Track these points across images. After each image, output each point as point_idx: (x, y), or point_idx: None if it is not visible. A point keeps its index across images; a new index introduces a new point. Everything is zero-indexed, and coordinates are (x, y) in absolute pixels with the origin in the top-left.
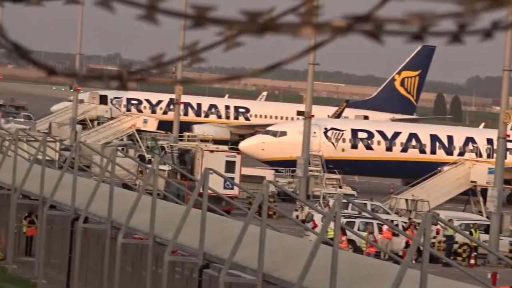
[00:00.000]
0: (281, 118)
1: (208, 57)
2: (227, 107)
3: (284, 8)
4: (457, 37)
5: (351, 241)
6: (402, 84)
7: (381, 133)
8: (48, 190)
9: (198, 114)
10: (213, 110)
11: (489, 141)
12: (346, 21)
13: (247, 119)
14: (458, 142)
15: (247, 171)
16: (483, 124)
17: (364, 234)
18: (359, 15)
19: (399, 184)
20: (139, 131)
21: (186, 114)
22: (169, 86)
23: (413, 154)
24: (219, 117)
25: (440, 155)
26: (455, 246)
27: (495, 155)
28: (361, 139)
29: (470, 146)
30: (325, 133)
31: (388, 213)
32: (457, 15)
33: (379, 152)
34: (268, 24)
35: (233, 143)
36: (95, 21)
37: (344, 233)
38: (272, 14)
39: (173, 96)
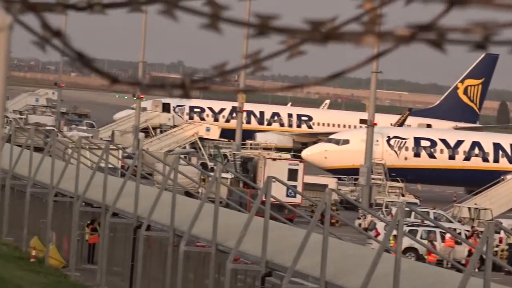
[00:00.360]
0: (344, 126)
1: (271, 65)
2: (290, 115)
3: (347, 17)
4: None
5: (413, 249)
6: (465, 92)
7: (444, 141)
8: (111, 198)
9: (260, 122)
10: (275, 118)
11: None
12: (409, 30)
13: (309, 127)
14: None
15: (309, 179)
16: None
17: (427, 242)
18: (422, 24)
19: (462, 193)
20: (201, 139)
21: (248, 122)
22: (231, 94)
23: (476, 163)
24: (282, 125)
25: (503, 163)
26: None
27: None
28: (424, 148)
29: None
30: (388, 141)
31: (451, 222)
32: None
33: (441, 160)
34: (331, 33)
35: (295, 151)
36: (158, 29)
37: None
38: (335, 23)
39: (235, 104)
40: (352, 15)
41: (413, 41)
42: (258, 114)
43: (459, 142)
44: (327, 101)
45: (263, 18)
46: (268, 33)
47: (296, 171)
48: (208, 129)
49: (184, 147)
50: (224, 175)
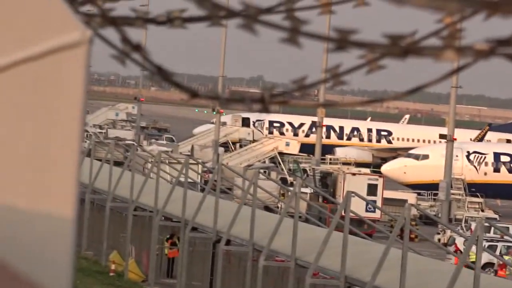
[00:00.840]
0: (423, 141)
1: (350, 80)
2: (369, 130)
3: (427, 31)
4: None
5: (492, 265)
6: None
7: None
8: (190, 212)
9: (340, 137)
10: (355, 133)
11: None
12: (488, 45)
13: (389, 142)
14: None
15: (389, 194)
16: None
17: (507, 258)
18: (502, 38)
19: None
20: (281, 153)
21: (328, 137)
22: (311, 109)
23: None
24: (361, 140)
25: None
26: None
27: None
28: (504, 163)
29: None
30: (468, 156)
31: None
32: None
33: None
34: (410, 47)
35: (375, 166)
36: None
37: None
38: (414, 37)
39: (315, 119)
40: (432, 29)
41: (492, 55)
42: (337, 129)
43: None
44: (407, 116)
45: (342, 32)
46: (347, 47)
47: (375, 186)
48: (287, 144)
49: (264, 162)
50: (303, 190)
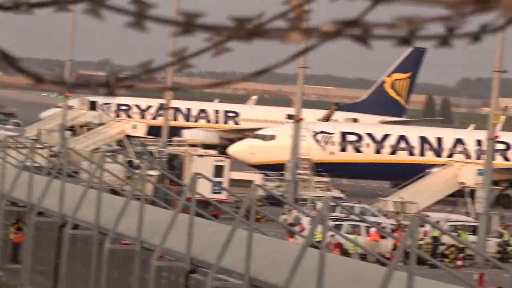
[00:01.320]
0: (271, 122)
1: (198, 62)
2: (217, 112)
3: (273, 13)
4: (445, 40)
5: (339, 244)
6: (392, 86)
7: (370, 135)
8: (37, 196)
9: (187, 119)
10: (202, 114)
11: (478, 143)
12: (334, 26)
13: (236, 123)
14: (447, 144)
15: (236, 175)
16: (473, 125)
17: (352, 236)
18: (348, 20)
19: (388, 187)
20: (128, 136)
21: (175, 119)
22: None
23: (402, 157)
24: (209, 121)
25: (429, 157)
26: (443, 247)
27: (484, 156)
28: (350, 142)
29: (459, 148)
30: (314, 136)
31: (376, 216)
32: (445, 19)
33: (367, 154)
34: (257, 30)
35: (222, 148)
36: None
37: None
38: (260, 19)
39: (163, 101)
40: (278, 11)
41: (339, 37)
42: (185, 111)
43: (386, 136)
44: (254, 97)
45: (188, 16)
46: (194, 30)
47: (222, 167)
48: (134, 127)
49: (110, 145)
50: (150, 172)
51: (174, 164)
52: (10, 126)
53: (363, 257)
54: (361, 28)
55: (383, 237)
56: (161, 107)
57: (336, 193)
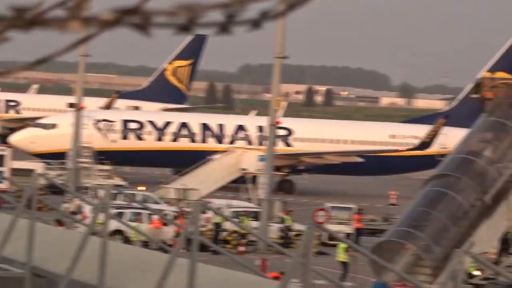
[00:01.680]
0: (53, 111)
1: None
2: None
3: (53, 2)
4: (225, 27)
5: (120, 232)
6: (173, 73)
7: (152, 123)
8: None
9: None
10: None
11: (260, 129)
12: (114, 15)
13: (17, 112)
14: (228, 131)
15: (17, 164)
16: (254, 111)
17: (135, 224)
18: (127, 8)
19: (170, 174)
20: None
21: None
22: None
23: (184, 144)
24: None
25: (211, 143)
26: (225, 233)
27: (265, 142)
28: (132, 130)
29: (241, 134)
30: (96, 124)
31: (158, 203)
32: (225, 6)
33: (149, 142)
34: (36, 19)
35: (4, 137)
36: None
37: None
38: (40, 9)
39: None
40: (58, 0)
41: (118, 25)
42: None
43: (167, 124)
44: (36, 86)
45: None
46: None
47: (3, 156)
48: None
49: None
50: None
51: None
52: None
53: (145, 244)
54: (140, 16)
55: (165, 224)
56: None
57: (118, 181)
